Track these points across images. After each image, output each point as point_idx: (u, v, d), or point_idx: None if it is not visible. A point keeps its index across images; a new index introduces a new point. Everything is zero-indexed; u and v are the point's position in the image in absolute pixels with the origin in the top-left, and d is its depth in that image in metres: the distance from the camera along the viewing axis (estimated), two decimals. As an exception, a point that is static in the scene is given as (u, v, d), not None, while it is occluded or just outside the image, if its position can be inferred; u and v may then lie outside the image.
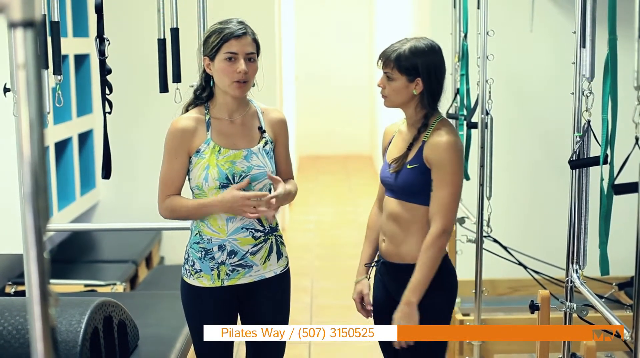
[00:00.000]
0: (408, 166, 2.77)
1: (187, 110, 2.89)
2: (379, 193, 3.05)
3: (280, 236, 2.95)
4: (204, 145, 2.79)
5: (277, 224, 2.93)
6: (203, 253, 2.83)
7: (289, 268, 2.98)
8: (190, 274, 2.86)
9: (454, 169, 2.73)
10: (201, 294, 2.85)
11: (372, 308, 2.99)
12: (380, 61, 2.80)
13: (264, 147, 2.85)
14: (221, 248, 2.82)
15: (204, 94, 2.87)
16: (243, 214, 2.75)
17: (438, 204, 2.72)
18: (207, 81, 2.87)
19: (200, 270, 2.84)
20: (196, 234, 2.86)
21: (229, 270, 2.83)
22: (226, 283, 2.84)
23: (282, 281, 2.94)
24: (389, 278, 2.90)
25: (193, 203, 2.79)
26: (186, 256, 2.89)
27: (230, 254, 2.82)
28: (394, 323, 2.74)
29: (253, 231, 2.83)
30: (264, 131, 2.88)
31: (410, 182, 2.76)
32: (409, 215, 2.79)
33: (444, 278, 2.81)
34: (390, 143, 2.94)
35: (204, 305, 2.85)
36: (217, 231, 2.81)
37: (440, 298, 2.82)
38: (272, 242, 2.89)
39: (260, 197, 2.73)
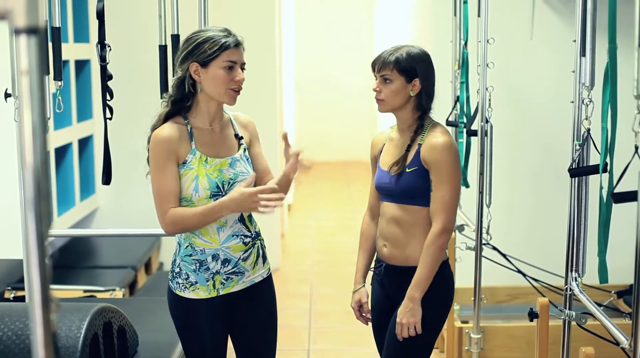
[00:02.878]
0: (407, 170, 2.84)
1: (165, 120, 2.82)
2: (370, 201, 3.10)
3: (263, 240, 2.97)
4: (190, 156, 2.77)
5: (259, 229, 2.94)
6: (197, 264, 2.82)
7: (271, 271, 3.00)
8: (185, 287, 2.83)
9: (451, 169, 2.80)
10: (197, 306, 2.83)
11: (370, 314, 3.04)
12: (376, 65, 2.86)
13: (244, 153, 2.88)
14: (215, 257, 2.81)
15: (187, 104, 2.81)
16: (253, 210, 2.73)
17: (438, 204, 2.79)
18: (192, 89, 2.79)
19: (196, 282, 2.82)
20: (187, 246, 2.83)
21: (224, 279, 2.83)
22: (221, 292, 2.84)
23: (268, 284, 2.96)
24: (392, 281, 2.93)
25: (201, 209, 2.72)
26: (177, 270, 2.85)
27: (224, 263, 2.82)
28: (398, 318, 2.80)
29: (243, 237, 2.84)
30: (241, 138, 2.90)
31: (410, 185, 2.83)
32: (411, 218, 2.85)
33: (441, 284, 2.88)
34: (381, 151, 3.00)
35: (201, 317, 2.84)
36: (210, 241, 2.80)
37: (436, 303, 2.87)
38: (258, 246, 2.91)
39: (266, 191, 2.69)
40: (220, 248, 2.81)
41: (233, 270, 2.83)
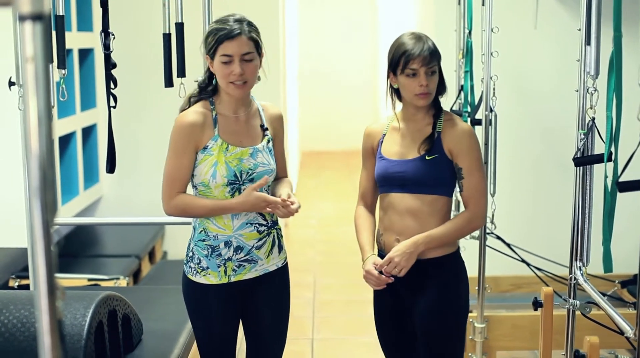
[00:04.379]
0: (427, 157, 2.78)
1: (190, 103, 2.85)
2: (362, 191, 3.00)
3: (280, 230, 2.96)
4: (211, 142, 2.78)
5: (277, 218, 2.94)
6: (209, 250, 2.83)
7: (287, 261, 3.00)
8: (197, 272, 2.85)
9: (480, 154, 2.82)
10: (208, 291, 2.85)
11: (387, 274, 2.79)
12: (424, 59, 2.74)
13: (267, 144, 2.87)
14: (227, 244, 2.82)
15: (209, 89, 2.85)
16: (262, 211, 2.80)
17: (473, 190, 2.78)
18: (210, 76, 2.86)
19: (207, 268, 2.84)
20: (201, 231, 2.85)
21: (236, 266, 2.83)
22: (233, 279, 2.84)
23: (283, 274, 2.96)
24: (406, 279, 2.81)
25: (211, 204, 2.76)
26: (190, 254, 2.88)
27: (237, 250, 2.82)
28: (394, 254, 2.74)
29: (257, 225, 2.84)
30: (267, 129, 2.88)
31: (432, 173, 2.78)
32: (428, 208, 2.79)
33: (464, 273, 2.90)
34: (381, 142, 2.91)
35: (211, 303, 2.86)
36: (223, 227, 2.81)
37: (464, 292, 2.88)
38: (274, 235, 2.91)
39: (274, 205, 2.75)
40: (234, 235, 2.82)
41: (246, 257, 2.84)
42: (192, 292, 2.89)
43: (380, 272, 2.80)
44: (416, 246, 2.74)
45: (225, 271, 2.83)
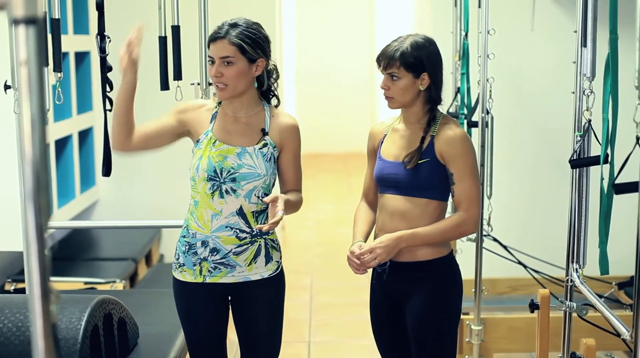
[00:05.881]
0: (418, 161, 2.76)
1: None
2: (365, 190, 3.02)
3: (273, 241, 2.88)
4: (203, 135, 2.82)
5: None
6: (187, 247, 2.85)
7: (281, 272, 2.92)
8: (176, 268, 2.88)
9: (473, 161, 2.77)
10: (186, 289, 2.86)
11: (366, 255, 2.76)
12: (382, 62, 2.76)
13: (261, 148, 2.82)
14: (204, 244, 2.81)
15: None
16: None
17: (464, 195, 2.74)
18: None
19: (184, 264, 2.85)
20: (185, 227, 2.88)
21: (211, 267, 2.82)
22: (208, 280, 2.83)
23: (272, 285, 2.89)
24: (397, 280, 2.83)
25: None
26: (175, 249, 2.92)
27: (213, 251, 2.81)
28: (377, 244, 2.73)
29: (237, 231, 2.80)
30: (267, 134, 2.85)
31: (422, 177, 2.75)
32: (418, 211, 2.77)
33: (456, 277, 2.88)
34: (382, 142, 2.91)
35: (190, 300, 2.87)
36: (202, 226, 2.81)
37: (455, 295, 2.87)
38: (260, 245, 2.84)
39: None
40: (211, 236, 2.81)
41: (222, 260, 2.82)
42: (175, 288, 2.92)
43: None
44: (399, 242, 2.73)
45: (200, 271, 2.83)
